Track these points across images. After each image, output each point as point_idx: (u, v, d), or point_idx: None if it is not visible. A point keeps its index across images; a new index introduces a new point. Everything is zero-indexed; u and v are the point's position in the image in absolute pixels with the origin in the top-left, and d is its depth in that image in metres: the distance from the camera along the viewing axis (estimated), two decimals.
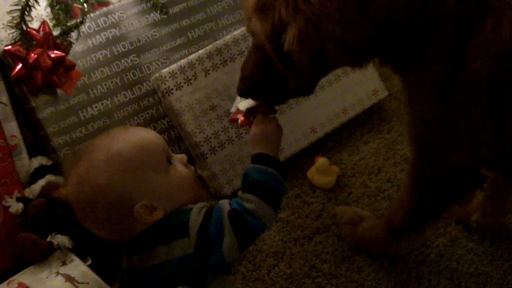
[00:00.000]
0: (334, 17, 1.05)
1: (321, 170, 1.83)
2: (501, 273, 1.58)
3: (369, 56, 1.23)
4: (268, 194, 1.13)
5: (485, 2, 1.03)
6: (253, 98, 1.34)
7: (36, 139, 1.77)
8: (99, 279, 1.48)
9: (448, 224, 1.70)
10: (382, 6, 1.06)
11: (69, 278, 1.48)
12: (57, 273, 1.50)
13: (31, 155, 1.73)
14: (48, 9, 1.73)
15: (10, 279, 1.51)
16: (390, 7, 1.07)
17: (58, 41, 1.69)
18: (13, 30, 1.64)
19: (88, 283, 1.47)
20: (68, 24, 1.70)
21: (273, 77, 1.24)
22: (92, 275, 1.49)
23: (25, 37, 1.58)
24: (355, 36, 1.09)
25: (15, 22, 1.59)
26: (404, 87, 1.26)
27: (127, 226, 1.14)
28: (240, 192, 1.15)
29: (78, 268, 1.52)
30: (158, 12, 1.81)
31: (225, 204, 1.12)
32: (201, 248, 1.09)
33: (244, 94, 1.34)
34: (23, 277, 1.51)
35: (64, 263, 1.53)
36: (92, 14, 1.80)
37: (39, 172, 1.68)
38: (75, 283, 1.46)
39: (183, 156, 1.25)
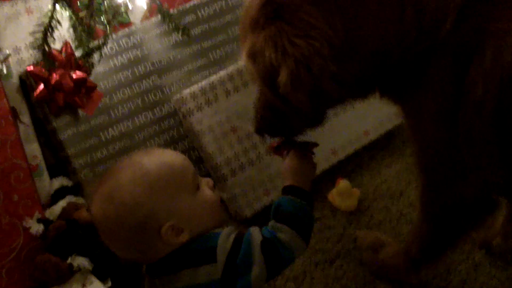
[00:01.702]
0: (323, 54, 1.04)
1: (342, 193, 1.82)
2: None
3: (368, 88, 1.22)
4: (300, 226, 1.13)
5: (482, 27, 1.01)
6: (270, 136, 1.34)
7: (57, 160, 1.77)
8: None
9: (471, 250, 1.66)
10: (370, 39, 1.06)
11: None
12: None
13: (52, 176, 1.74)
14: (71, 31, 1.74)
15: None
16: (378, 40, 1.06)
17: (80, 62, 1.70)
18: (35, 51, 1.65)
19: None
20: (90, 45, 1.71)
21: (281, 115, 1.24)
22: None
23: (47, 58, 1.59)
24: (348, 69, 1.09)
25: (38, 43, 1.60)
26: (406, 118, 1.24)
27: (151, 247, 1.12)
28: (272, 222, 1.14)
29: None
30: (180, 33, 1.81)
31: (256, 232, 1.11)
32: (228, 275, 1.07)
33: (260, 133, 1.35)
34: None
35: (84, 286, 1.53)
36: (114, 36, 1.81)
37: (60, 193, 1.69)
38: None
39: (209, 180, 1.23)
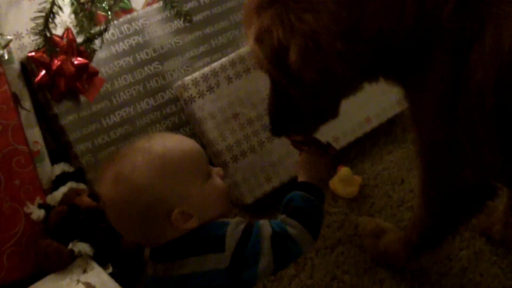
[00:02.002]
0: (331, 29, 1.04)
1: (344, 180, 1.82)
2: None
3: (375, 71, 1.21)
4: (311, 223, 1.14)
5: (484, 10, 1.00)
6: (286, 136, 1.35)
7: (59, 145, 1.78)
8: (118, 286, 1.49)
9: (472, 237, 1.67)
10: (374, 19, 1.05)
11: (89, 286, 1.49)
12: (78, 281, 1.51)
13: (54, 161, 1.75)
14: (72, 16, 1.73)
15: (31, 286, 1.52)
16: (381, 20, 1.05)
17: (81, 48, 1.70)
18: (37, 37, 1.64)
19: None
20: (92, 31, 1.71)
21: (294, 106, 1.24)
22: (112, 283, 1.49)
23: (49, 44, 1.58)
24: (355, 48, 1.08)
25: (39, 28, 1.58)
26: (408, 102, 1.24)
27: (159, 231, 1.13)
28: (284, 216, 1.14)
29: (99, 276, 1.53)
30: (182, 19, 1.81)
31: (266, 225, 1.11)
32: (236, 264, 1.07)
33: (276, 134, 1.37)
34: (44, 285, 1.53)
35: (85, 271, 1.54)
36: (115, 21, 1.81)
37: (61, 179, 1.69)
38: None
39: (219, 169, 1.23)
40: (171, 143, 1.16)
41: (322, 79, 1.09)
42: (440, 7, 1.03)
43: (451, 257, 1.63)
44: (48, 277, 1.55)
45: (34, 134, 1.72)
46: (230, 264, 1.07)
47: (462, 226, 1.48)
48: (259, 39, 1.13)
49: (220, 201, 1.17)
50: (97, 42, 1.76)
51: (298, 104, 1.23)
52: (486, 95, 1.03)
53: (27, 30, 1.75)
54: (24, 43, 1.77)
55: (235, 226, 1.11)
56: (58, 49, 1.66)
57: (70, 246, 1.55)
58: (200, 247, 1.11)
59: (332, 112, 1.34)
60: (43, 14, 1.57)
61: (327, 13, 1.04)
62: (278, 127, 1.33)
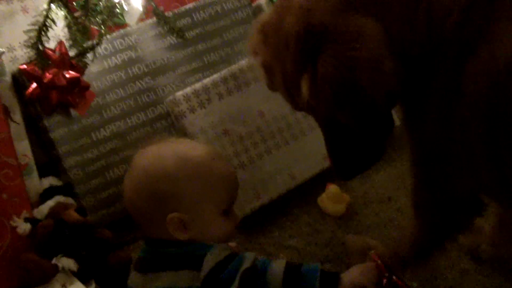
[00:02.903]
0: (381, 52, 1.06)
1: (332, 198, 1.83)
2: None
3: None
4: None
5: (482, 27, 1.03)
6: (356, 174, 1.34)
7: (48, 159, 1.78)
8: None
9: (458, 256, 1.67)
10: (400, 36, 1.08)
11: None
12: None
13: (42, 175, 1.74)
14: (65, 30, 1.75)
15: None
16: (403, 38, 1.08)
17: (73, 61, 1.70)
18: (29, 50, 1.65)
19: None
20: (85, 45, 1.72)
21: (352, 146, 1.24)
22: None
23: (41, 57, 1.60)
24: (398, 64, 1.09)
25: (32, 41, 1.60)
26: (405, 114, 1.26)
27: (157, 222, 1.15)
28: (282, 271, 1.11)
29: None
30: (175, 36, 1.82)
31: (248, 258, 1.11)
32: (208, 286, 1.08)
33: (346, 179, 1.45)
34: None
35: (63, 286, 1.53)
36: (109, 36, 1.82)
37: (49, 193, 1.69)
38: None
39: (238, 217, 1.25)
40: (218, 158, 1.20)
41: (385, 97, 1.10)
42: (444, 19, 1.05)
43: (437, 277, 1.63)
44: None
45: (23, 147, 1.72)
46: (203, 284, 1.07)
47: (450, 240, 1.49)
48: (316, 96, 1.12)
49: (219, 239, 1.17)
50: (90, 56, 1.76)
51: (355, 139, 1.22)
52: (479, 108, 1.05)
53: (20, 43, 1.76)
54: (16, 55, 1.77)
55: (217, 251, 1.11)
56: (50, 62, 1.67)
57: (54, 261, 1.54)
58: (178, 262, 1.12)
59: (388, 125, 1.29)
60: (36, 27, 1.59)
61: (373, 40, 1.06)
62: (344, 171, 1.32)
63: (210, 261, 1.09)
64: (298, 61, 1.12)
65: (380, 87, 1.09)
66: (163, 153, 1.18)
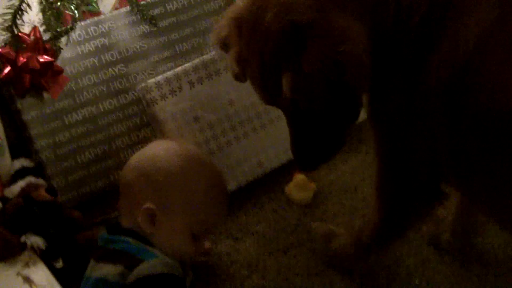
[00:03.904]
0: (365, 44, 1.10)
1: (299, 186, 1.88)
2: None
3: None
4: None
5: (445, 21, 1.09)
6: (317, 165, 1.37)
7: (20, 140, 1.80)
8: (57, 284, 1.49)
9: (420, 245, 1.73)
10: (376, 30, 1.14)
11: (27, 280, 1.49)
12: (18, 273, 1.51)
13: (14, 156, 1.77)
14: (40, 16, 1.77)
15: None
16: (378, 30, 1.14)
17: (47, 45, 1.73)
18: (4, 32, 1.68)
19: (45, 286, 1.48)
20: (59, 29, 1.75)
21: (315, 136, 1.27)
22: (52, 280, 1.50)
23: (16, 40, 1.63)
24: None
25: (6, 25, 1.63)
26: (371, 105, 1.30)
27: (131, 203, 1.25)
28: None
29: (39, 271, 1.53)
30: (147, 23, 1.87)
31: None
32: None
33: (306, 170, 1.47)
34: None
35: (27, 265, 1.54)
36: (82, 23, 1.85)
37: (21, 174, 1.71)
38: (32, 285, 1.48)
39: (210, 247, 1.36)
40: (220, 190, 1.36)
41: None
42: (411, 13, 1.11)
43: (399, 262, 1.68)
44: None
45: None
46: (131, 285, 1.12)
47: (412, 229, 1.54)
48: (296, 90, 1.15)
49: (171, 253, 1.23)
50: (64, 41, 1.79)
51: (322, 130, 1.26)
52: (439, 97, 1.11)
53: None
54: None
55: (156, 263, 1.16)
56: (24, 45, 1.69)
57: (23, 238, 1.56)
58: (119, 257, 1.18)
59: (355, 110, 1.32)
60: (11, 10, 1.62)
61: (357, 36, 1.10)
62: (304, 162, 1.35)
63: (143, 269, 1.14)
64: (279, 57, 1.13)
65: (362, 82, 1.14)
66: (177, 151, 1.29)
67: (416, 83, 1.14)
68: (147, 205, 1.22)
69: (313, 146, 1.28)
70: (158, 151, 1.29)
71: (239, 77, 1.28)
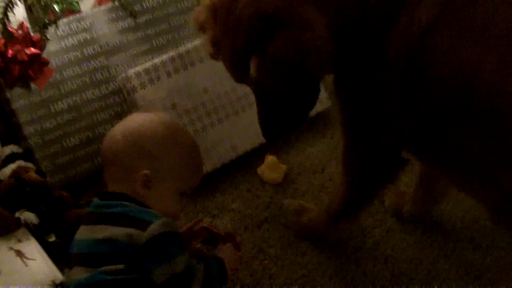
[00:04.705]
0: (323, 36, 1.20)
1: (270, 167, 1.99)
2: (430, 259, 1.73)
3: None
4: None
5: (401, 1, 1.18)
6: (280, 136, 1.48)
7: (8, 129, 1.90)
8: (48, 258, 1.57)
9: (384, 217, 1.87)
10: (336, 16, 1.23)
11: (19, 254, 1.56)
12: (10, 248, 1.58)
13: (3, 143, 1.86)
14: (25, 14, 1.87)
15: None
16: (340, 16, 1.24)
17: (35, 38, 1.84)
18: None
19: (35, 259, 1.55)
20: (46, 21, 1.85)
21: (279, 110, 1.38)
22: (42, 254, 1.58)
23: (7, 31, 1.74)
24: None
25: None
26: (336, 83, 1.41)
27: (123, 171, 1.34)
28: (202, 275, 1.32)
29: (31, 245, 1.60)
30: (129, 16, 2.00)
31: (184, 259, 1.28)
32: (148, 249, 1.22)
33: (271, 140, 1.56)
34: None
35: (19, 241, 1.62)
36: (66, 19, 1.96)
37: (11, 159, 1.80)
38: (24, 258, 1.55)
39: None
40: (197, 150, 1.47)
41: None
42: None
43: (365, 233, 1.81)
44: None
45: None
46: (144, 245, 1.21)
47: (377, 193, 1.63)
48: (263, 73, 1.27)
49: (163, 213, 1.32)
50: (48, 35, 1.89)
51: (285, 107, 1.37)
52: (398, 68, 1.20)
53: None
54: None
55: (163, 222, 1.26)
56: (16, 38, 1.80)
57: (17, 214, 1.64)
58: (126, 221, 1.25)
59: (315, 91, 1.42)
60: (3, 4, 1.72)
61: (320, 27, 1.20)
62: (269, 133, 1.46)
63: (155, 229, 1.23)
64: (249, 42, 1.23)
65: (321, 68, 1.25)
66: (159, 120, 1.38)
67: (377, 59, 1.23)
68: (143, 171, 1.31)
69: (276, 121, 1.40)
70: (142, 122, 1.37)
71: (214, 56, 1.39)
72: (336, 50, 1.24)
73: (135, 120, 1.39)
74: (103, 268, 1.19)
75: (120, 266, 1.19)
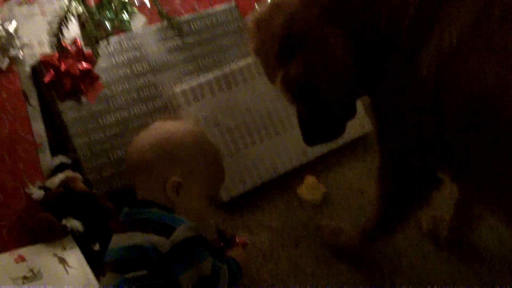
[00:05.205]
0: (346, 61, 1.28)
1: (309, 187, 2.01)
2: (465, 284, 1.70)
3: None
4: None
5: (431, 23, 1.21)
6: (316, 144, 1.59)
7: (59, 140, 1.97)
8: (88, 268, 1.63)
9: (421, 240, 1.85)
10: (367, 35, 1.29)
11: (62, 261, 1.63)
12: (54, 254, 1.65)
13: (53, 154, 1.93)
14: (78, 30, 1.97)
15: (14, 250, 1.67)
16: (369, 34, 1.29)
17: (87, 53, 1.92)
18: (46, 45, 1.88)
19: (76, 268, 1.61)
20: (99, 36, 1.94)
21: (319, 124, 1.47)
22: (83, 262, 1.64)
23: (60, 45, 1.82)
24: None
25: (54, 32, 1.81)
26: (372, 104, 1.45)
27: (151, 178, 1.34)
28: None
29: (74, 254, 1.67)
30: (177, 35, 2.07)
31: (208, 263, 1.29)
32: (174, 254, 1.24)
33: (311, 145, 1.61)
34: (26, 251, 1.67)
35: (64, 248, 1.68)
36: (117, 37, 2.04)
37: (60, 169, 1.87)
38: (66, 266, 1.62)
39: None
40: (219, 156, 1.47)
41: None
42: (401, 15, 1.24)
43: (402, 256, 1.79)
44: (33, 246, 1.69)
45: (38, 128, 1.91)
46: (170, 250, 1.22)
47: (411, 213, 1.61)
48: (286, 84, 1.37)
49: (192, 216, 1.33)
50: (101, 47, 1.98)
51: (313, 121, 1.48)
52: (429, 86, 1.22)
53: (38, 41, 1.95)
54: (34, 52, 1.95)
55: (187, 227, 1.26)
56: (69, 52, 1.89)
57: (63, 222, 1.70)
58: (152, 227, 1.26)
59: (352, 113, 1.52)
60: (58, 19, 1.80)
61: (343, 50, 1.28)
62: (307, 139, 1.55)
63: (180, 234, 1.24)
64: (277, 57, 1.36)
65: (336, 90, 1.31)
66: (184, 127, 1.41)
67: (409, 79, 1.26)
68: (174, 178, 1.32)
69: (310, 130, 1.50)
70: (169, 130, 1.39)
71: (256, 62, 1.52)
72: (365, 71, 1.31)
73: (161, 129, 1.41)
74: (127, 275, 1.21)
75: (143, 272, 1.21)
